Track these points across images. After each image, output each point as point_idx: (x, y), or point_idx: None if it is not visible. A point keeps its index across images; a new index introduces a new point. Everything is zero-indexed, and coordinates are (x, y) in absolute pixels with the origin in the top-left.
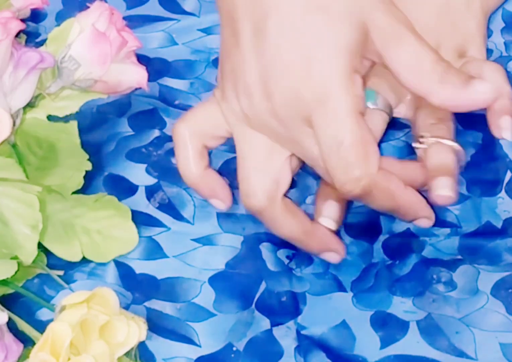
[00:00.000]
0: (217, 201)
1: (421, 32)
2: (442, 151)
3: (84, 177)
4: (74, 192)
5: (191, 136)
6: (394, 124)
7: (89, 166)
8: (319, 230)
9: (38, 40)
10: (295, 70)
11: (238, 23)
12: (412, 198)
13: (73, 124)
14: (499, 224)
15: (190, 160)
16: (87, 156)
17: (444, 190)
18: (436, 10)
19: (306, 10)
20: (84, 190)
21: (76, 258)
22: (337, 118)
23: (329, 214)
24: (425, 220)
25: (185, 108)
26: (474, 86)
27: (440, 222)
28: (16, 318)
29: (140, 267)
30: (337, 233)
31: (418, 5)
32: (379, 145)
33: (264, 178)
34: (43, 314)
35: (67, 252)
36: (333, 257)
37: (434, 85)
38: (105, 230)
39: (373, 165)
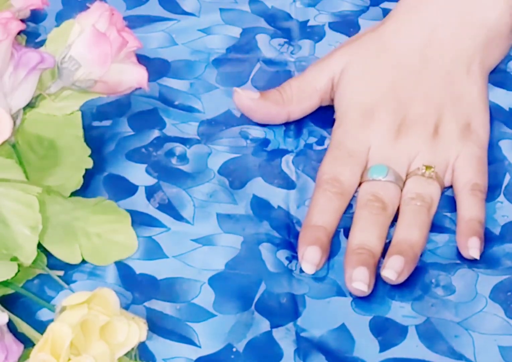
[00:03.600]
0: None
1: (424, 105)
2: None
3: (84, 177)
4: (73, 192)
5: None
6: None
7: (90, 164)
8: None
9: (38, 40)
10: None
11: None
12: None
13: (77, 115)
14: (497, 230)
15: None
16: (89, 151)
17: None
18: (439, 82)
19: None
20: (84, 190)
21: (76, 260)
22: None
23: (311, 259)
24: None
25: (185, 108)
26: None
27: (437, 228)
28: (16, 319)
29: (140, 267)
30: (335, 237)
31: (423, 79)
32: None
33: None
34: (43, 314)
35: (67, 254)
36: None
37: None
38: (105, 234)
39: None
